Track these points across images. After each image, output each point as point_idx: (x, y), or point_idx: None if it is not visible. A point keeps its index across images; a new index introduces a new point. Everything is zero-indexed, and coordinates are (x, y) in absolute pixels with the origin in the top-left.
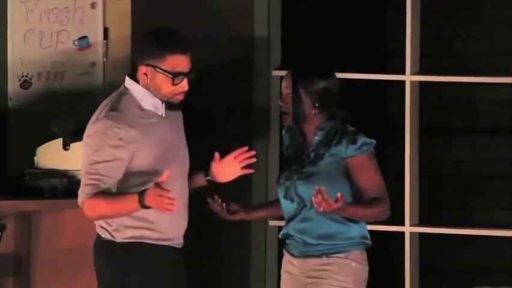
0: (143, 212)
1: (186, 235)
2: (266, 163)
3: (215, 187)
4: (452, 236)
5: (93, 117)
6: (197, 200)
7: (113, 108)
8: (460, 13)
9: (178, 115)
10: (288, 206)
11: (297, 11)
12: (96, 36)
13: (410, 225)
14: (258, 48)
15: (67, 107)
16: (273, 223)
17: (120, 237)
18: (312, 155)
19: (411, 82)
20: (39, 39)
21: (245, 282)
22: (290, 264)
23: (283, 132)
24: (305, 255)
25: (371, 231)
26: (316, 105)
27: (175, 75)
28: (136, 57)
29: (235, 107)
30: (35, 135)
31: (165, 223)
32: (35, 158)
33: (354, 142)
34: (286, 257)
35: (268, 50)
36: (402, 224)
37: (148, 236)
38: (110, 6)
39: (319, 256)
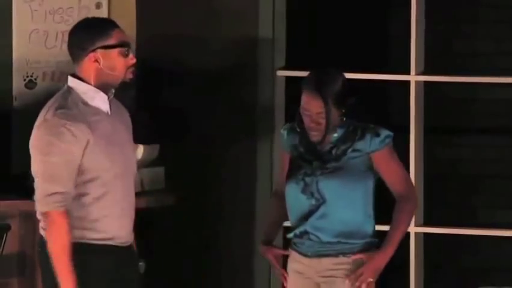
0: (86, 212)
1: (189, 236)
2: (271, 163)
3: (217, 187)
4: (456, 235)
5: (39, 119)
6: (200, 201)
7: (60, 106)
8: (464, 13)
9: (125, 115)
10: (303, 203)
11: (302, 11)
12: None
13: (415, 226)
14: (263, 48)
15: None
16: None
17: None
18: (333, 151)
19: (416, 82)
20: (44, 39)
21: (249, 282)
22: (300, 264)
23: (285, 133)
24: (320, 255)
25: (377, 231)
26: (343, 111)
27: (125, 46)
28: (79, 51)
29: (239, 107)
30: None
31: (108, 223)
32: None
33: (377, 135)
34: (295, 256)
35: (272, 50)
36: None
37: (90, 236)
38: (115, 6)
39: (335, 255)
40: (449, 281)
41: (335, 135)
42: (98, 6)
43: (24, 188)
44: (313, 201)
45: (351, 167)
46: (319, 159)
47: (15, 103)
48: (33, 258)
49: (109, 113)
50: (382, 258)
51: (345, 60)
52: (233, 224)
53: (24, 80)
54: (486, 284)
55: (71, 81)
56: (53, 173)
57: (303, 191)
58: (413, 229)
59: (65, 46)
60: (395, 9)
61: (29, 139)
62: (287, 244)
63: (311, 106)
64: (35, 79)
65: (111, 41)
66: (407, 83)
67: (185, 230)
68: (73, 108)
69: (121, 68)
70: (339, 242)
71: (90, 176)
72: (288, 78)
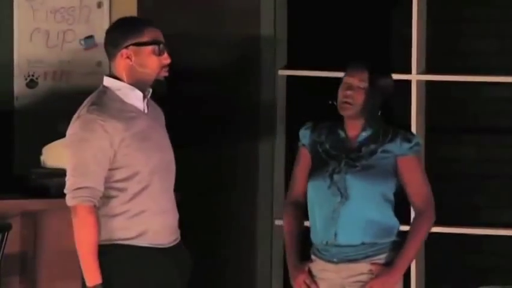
0: (125, 208)
1: (189, 236)
2: (272, 163)
3: (219, 187)
4: (458, 235)
5: (75, 116)
6: (201, 201)
7: (95, 103)
8: (466, 12)
9: (161, 115)
10: (330, 200)
11: (304, 10)
12: (102, 36)
13: None
14: (264, 48)
15: (73, 106)
16: (278, 222)
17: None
18: (363, 150)
19: (418, 81)
20: (45, 38)
21: (251, 282)
22: (326, 272)
23: (309, 130)
24: (347, 260)
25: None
26: (382, 100)
27: (157, 44)
28: (112, 48)
29: (241, 106)
30: (41, 135)
31: (146, 218)
32: (41, 157)
33: (408, 140)
34: (320, 264)
35: (274, 49)
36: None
37: (128, 235)
38: (116, 6)
39: (363, 260)
40: (451, 280)
41: (364, 133)
42: (99, 5)
43: (25, 187)
44: (338, 199)
45: (381, 167)
46: (348, 156)
47: (16, 103)
48: (35, 257)
49: (145, 111)
50: (393, 275)
51: (346, 60)
52: (234, 223)
53: (26, 79)
54: (488, 283)
55: (106, 80)
56: (83, 167)
57: (330, 189)
58: None
59: (66, 45)
60: (396, 8)
61: (30, 139)
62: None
63: (355, 77)
64: (37, 78)
65: (143, 39)
66: (409, 82)
67: (185, 229)
68: (107, 106)
69: (153, 66)
70: (363, 244)
71: (129, 173)
72: (289, 77)
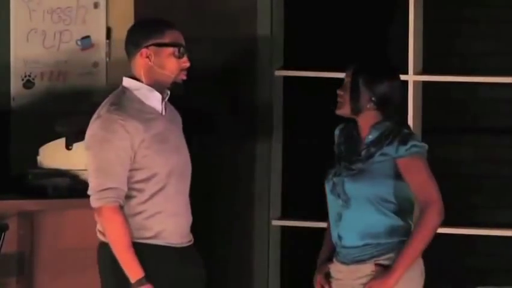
0: (141, 209)
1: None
2: (269, 163)
3: (216, 188)
4: (455, 235)
5: (94, 116)
6: (198, 201)
7: (115, 103)
8: (463, 12)
9: (178, 118)
10: (334, 203)
11: (300, 11)
12: (99, 36)
13: None
14: (261, 48)
15: (70, 106)
16: (275, 223)
17: None
18: (363, 153)
19: (414, 82)
20: (42, 38)
21: (248, 282)
22: (340, 273)
23: (336, 131)
24: (355, 261)
25: None
26: (373, 99)
27: (178, 46)
28: (133, 47)
29: (237, 107)
30: (37, 135)
31: (162, 219)
32: (38, 158)
33: (404, 143)
34: (336, 265)
35: (271, 50)
36: None
37: (144, 235)
38: (113, 6)
39: (369, 260)
40: (450, 281)
41: (370, 136)
42: (96, 6)
43: (22, 187)
44: (340, 202)
45: (376, 170)
46: (348, 159)
47: (13, 103)
48: (32, 258)
49: (163, 113)
50: (391, 275)
51: (343, 60)
52: (231, 224)
53: (22, 80)
54: (487, 284)
55: (125, 81)
56: (106, 168)
57: (332, 192)
58: None
59: (63, 46)
60: (393, 8)
61: (27, 139)
62: (284, 244)
63: (346, 76)
64: (33, 79)
65: (164, 40)
66: (405, 82)
67: None
68: (127, 106)
69: (172, 68)
70: (368, 245)
71: (148, 174)
72: (286, 78)
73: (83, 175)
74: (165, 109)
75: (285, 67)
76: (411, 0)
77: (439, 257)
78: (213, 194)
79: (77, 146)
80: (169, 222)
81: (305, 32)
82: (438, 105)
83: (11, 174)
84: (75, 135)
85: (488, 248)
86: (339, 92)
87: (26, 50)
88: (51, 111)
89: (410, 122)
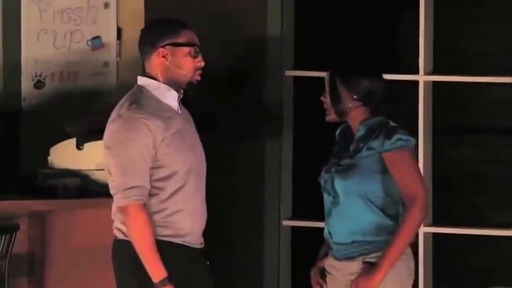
0: (161, 207)
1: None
2: (279, 163)
3: (226, 188)
4: (465, 236)
5: (112, 117)
6: (208, 202)
7: (134, 102)
8: (473, 13)
9: (190, 117)
10: (326, 199)
11: (311, 10)
12: (109, 36)
13: (424, 226)
14: (271, 48)
15: (81, 106)
16: (286, 223)
17: None
18: (351, 148)
19: (425, 82)
20: (52, 39)
21: (258, 282)
22: (332, 268)
23: (338, 131)
24: (347, 258)
25: None
26: (355, 97)
27: (193, 46)
28: (148, 47)
29: (248, 107)
30: (48, 135)
31: (181, 218)
32: (49, 158)
33: (390, 137)
34: (330, 260)
35: (281, 50)
36: None
37: (163, 232)
38: (123, 6)
39: (357, 258)
40: (458, 282)
41: (359, 132)
42: (106, 6)
43: (33, 188)
44: (331, 199)
45: (364, 165)
46: (338, 156)
47: (23, 103)
48: (43, 257)
49: (179, 111)
50: (376, 272)
51: (353, 60)
52: (242, 224)
53: (33, 80)
54: (494, 284)
55: (141, 80)
56: (130, 167)
57: (323, 189)
58: (422, 229)
59: (73, 46)
60: (404, 9)
61: (37, 139)
62: (296, 245)
63: (325, 82)
64: (44, 79)
65: (180, 39)
66: (416, 82)
67: None
68: (146, 104)
69: (188, 68)
70: (355, 242)
71: (169, 172)
72: (296, 78)
73: (94, 175)
74: (180, 108)
75: (296, 67)
76: (421, 0)
77: (444, 258)
78: (223, 195)
79: (87, 146)
80: (188, 220)
81: (315, 32)
82: (447, 105)
83: (21, 174)
84: (85, 135)
85: (500, 248)
86: (322, 99)
87: (36, 50)
88: (61, 111)
89: (420, 121)
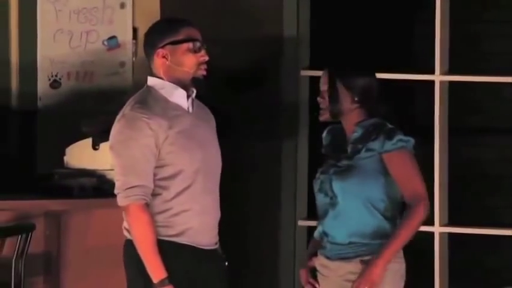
0: (167, 207)
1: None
2: (295, 163)
3: (242, 188)
4: (480, 235)
5: (118, 115)
6: (224, 202)
7: (139, 101)
8: (489, 13)
9: (208, 115)
10: (321, 201)
11: (326, 10)
12: (125, 36)
13: (440, 226)
14: (287, 48)
15: (96, 106)
16: (301, 223)
17: None
18: (349, 150)
19: (441, 82)
20: (68, 39)
21: (274, 282)
22: (325, 268)
23: (324, 134)
24: (341, 258)
25: None
26: (356, 99)
27: (193, 41)
28: (150, 49)
29: (263, 107)
30: (64, 135)
31: (188, 218)
32: (65, 158)
33: (390, 138)
34: (320, 259)
35: (297, 49)
36: (432, 224)
37: (168, 233)
38: (139, 6)
39: (354, 259)
40: (474, 281)
41: (355, 133)
42: (122, 6)
43: (49, 187)
44: (328, 200)
45: (363, 166)
46: (335, 157)
47: (39, 103)
48: (59, 257)
49: (190, 110)
50: (372, 271)
51: (369, 60)
52: (257, 224)
53: (49, 79)
54: (508, 284)
55: (150, 80)
56: (132, 166)
57: (320, 190)
58: (437, 229)
59: (89, 46)
60: (420, 8)
61: (53, 139)
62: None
63: (321, 79)
64: (60, 79)
65: (178, 37)
66: (432, 82)
67: None
68: (152, 104)
69: (190, 64)
70: (353, 243)
71: (173, 171)
72: (312, 78)
73: (110, 175)
74: (192, 106)
75: (311, 67)
76: (438, 0)
77: (460, 258)
78: (239, 195)
79: (103, 146)
80: (195, 220)
81: (331, 32)
82: (463, 105)
83: (37, 174)
84: (101, 135)
85: (508, 248)
86: (319, 99)
87: (52, 50)
88: (77, 111)
89: (436, 122)
